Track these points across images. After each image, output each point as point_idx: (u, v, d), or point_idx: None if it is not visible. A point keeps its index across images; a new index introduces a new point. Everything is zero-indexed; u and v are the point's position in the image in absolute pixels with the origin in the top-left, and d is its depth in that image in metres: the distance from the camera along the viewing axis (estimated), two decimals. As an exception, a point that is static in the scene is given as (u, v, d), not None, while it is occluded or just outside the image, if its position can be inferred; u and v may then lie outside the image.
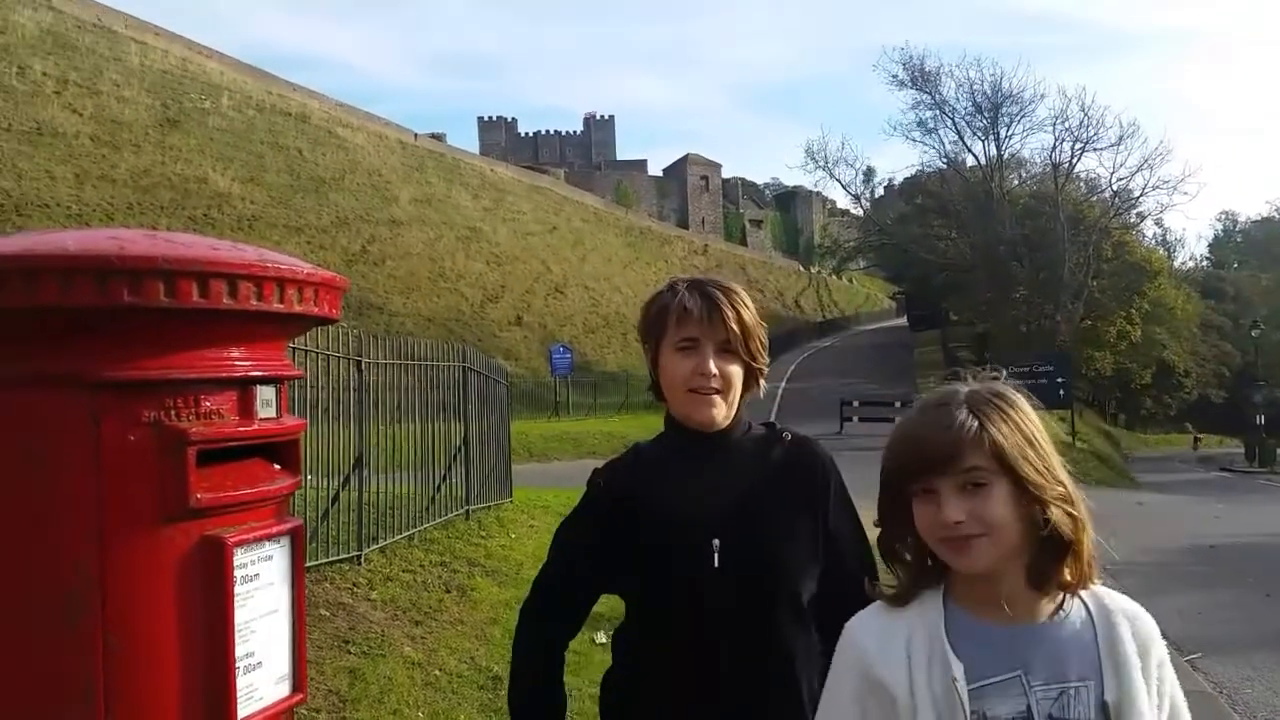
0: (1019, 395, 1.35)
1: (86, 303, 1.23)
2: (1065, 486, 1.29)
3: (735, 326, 1.69)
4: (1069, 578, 1.30)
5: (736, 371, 1.72)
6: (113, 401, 1.28)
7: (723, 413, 1.71)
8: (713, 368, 1.68)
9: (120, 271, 1.23)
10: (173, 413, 1.31)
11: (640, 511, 1.70)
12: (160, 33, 40.08)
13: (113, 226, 27.06)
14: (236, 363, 1.38)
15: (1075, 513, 1.29)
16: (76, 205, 29.79)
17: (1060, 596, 1.31)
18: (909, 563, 1.37)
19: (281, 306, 1.38)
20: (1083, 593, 1.32)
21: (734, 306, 1.71)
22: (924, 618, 1.33)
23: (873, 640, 1.34)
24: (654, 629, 1.72)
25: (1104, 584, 1.37)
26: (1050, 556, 1.29)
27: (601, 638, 5.98)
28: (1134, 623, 1.31)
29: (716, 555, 1.64)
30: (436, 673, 4.79)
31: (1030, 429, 1.31)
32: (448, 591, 6.04)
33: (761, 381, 1.78)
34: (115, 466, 1.28)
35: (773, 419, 1.96)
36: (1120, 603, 1.34)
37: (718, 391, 1.69)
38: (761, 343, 1.75)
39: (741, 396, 1.76)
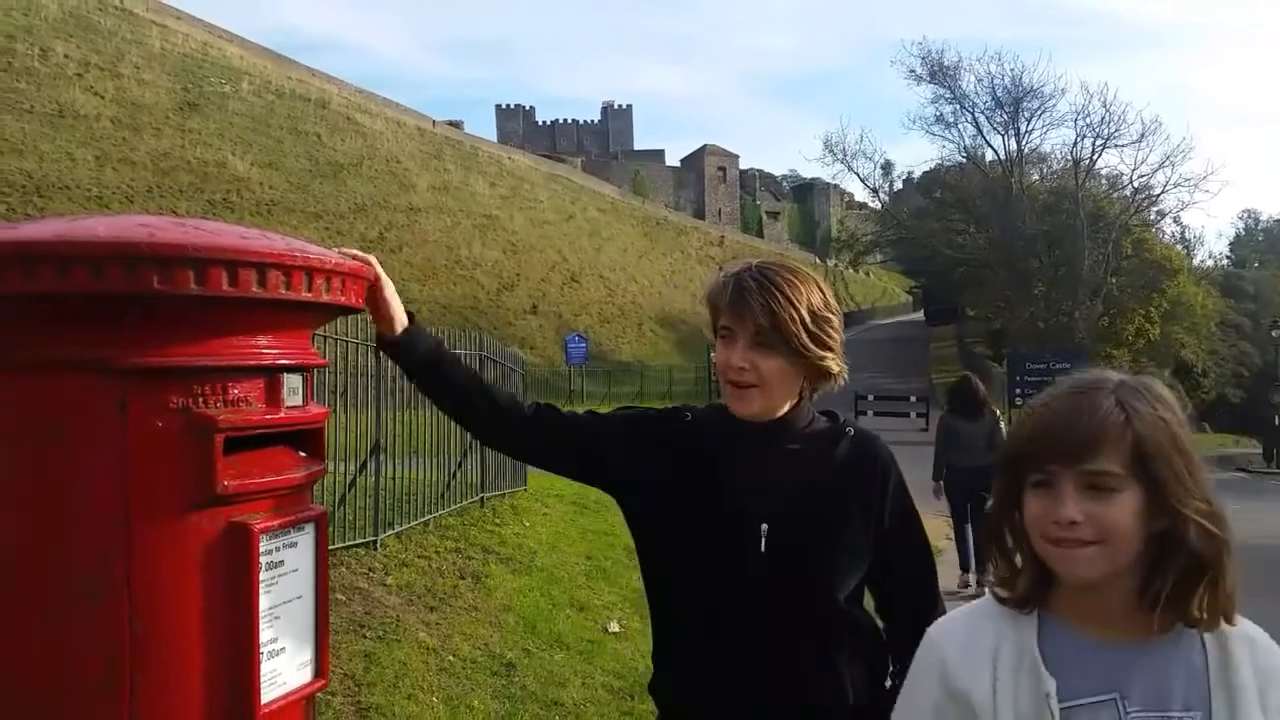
0: (1170, 393, 1.21)
1: (116, 289, 1.23)
2: (1210, 503, 1.15)
3: (763, 319, 1.58)
4: (1200, 610, 1.16)
5: (775, 365, 1.60)
6: (141, 388, 1.29)
7: (757, 407, 1.64)
8: (739, 360, 1.61)
9: (150, 259, 1.24)
10: (201, 400, 1.32)
11: (689, 495, 1.67)
12: (181, 16, 40.22)
13: (134, 210, 27.24)
14: (264, 351, 1.39)
15: (1218, 532, 1.15)
16: (97, 188, 29.97)
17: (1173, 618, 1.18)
18: (1023, 563, 1.24)
19: (309, 295, 1.38)
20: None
21: (765, 297, 1.58)
22: (1016, 626, 1.22)
23: (956, 648, 1.24)
24: (690, 602, 1.68)
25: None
26: (1182, 580, 1.15)
27: (615, 627, 6.01)
28: (1256, 650, 1.18)
29: (764, 540, 1.61)
30: (451, 658, 4.82)
31: (1180, 432, 1.17)
32: (462, 578, 6.07)
33: (837, 374, 1.68)
34: (143, 452, 1.29)
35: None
36: (1247, 631, 1.20)
37: (752, 386, 1.61)
38: (812, 336, 1.61)
39: (809, 390, 1.69)
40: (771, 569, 1.61)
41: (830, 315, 1.65)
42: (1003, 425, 8.06)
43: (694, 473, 1.68)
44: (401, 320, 1.71)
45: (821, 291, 1.66)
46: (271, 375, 1.41)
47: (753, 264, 1.67)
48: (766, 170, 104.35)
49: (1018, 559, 1.24)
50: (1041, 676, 1.17)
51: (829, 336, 1.63)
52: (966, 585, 7.86)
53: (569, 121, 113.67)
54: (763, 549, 1.61)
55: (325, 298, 1.42)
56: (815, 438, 1.71)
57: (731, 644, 1.64)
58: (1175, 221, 52.04)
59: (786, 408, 1.68)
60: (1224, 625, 1.17)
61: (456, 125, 57.66)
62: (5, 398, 1.35)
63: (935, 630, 1.30)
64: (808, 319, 1.60)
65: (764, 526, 1.62)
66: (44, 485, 1.31)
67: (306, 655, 1.47)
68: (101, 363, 1.28)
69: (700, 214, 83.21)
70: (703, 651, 1.67)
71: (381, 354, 1.78)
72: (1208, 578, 1.14)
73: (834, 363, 1.66)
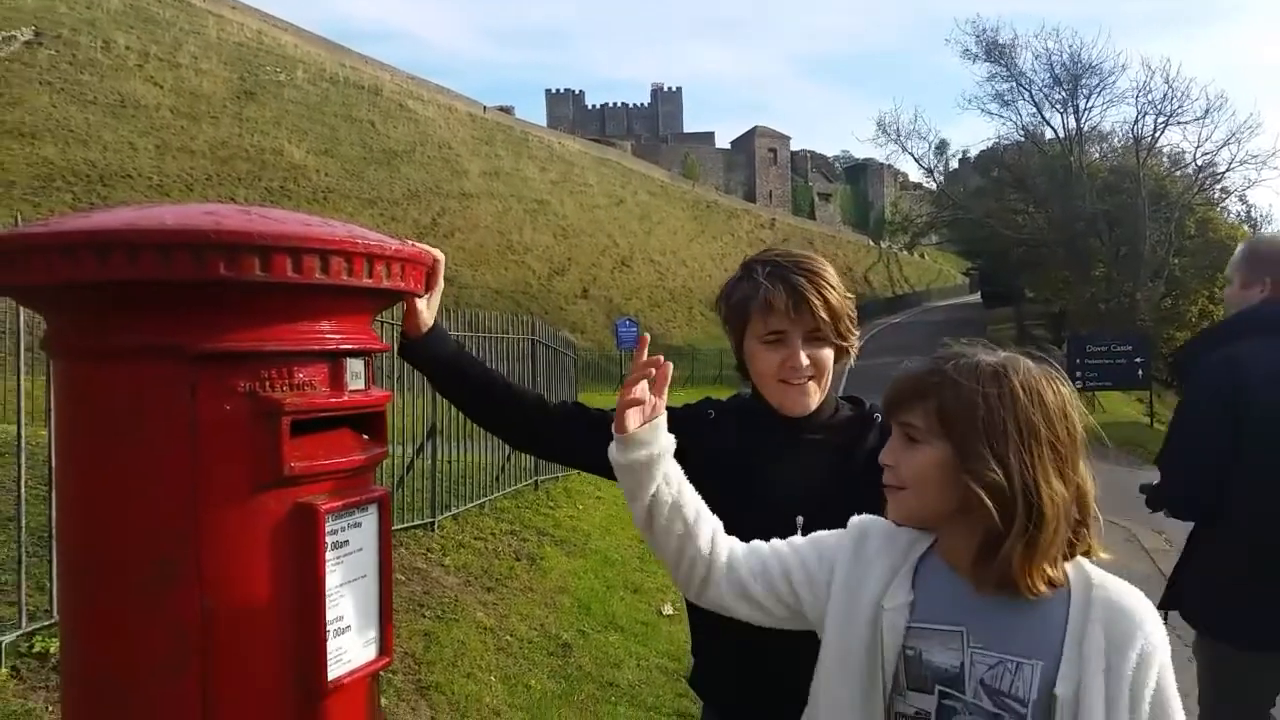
0: (1037, 378, 1.27)
1: (184, 276, 1.26)
2: (1014, 475, 1.22)
3: (824, 314, 1.62)
4: (1007, 574, 1.23)
5: (827, 355, 1.67)
6: (210, 373, 1.32)
7: (816, 399, 1.69)
8: (804, 359, 1.64)
9: (217, 246, 1.26)
10: (267, 384, 1.34)
11: (723, 489, 1.67)
12: (236, 6, 40.84)
13: (194, 198, 27.77)
14: (327, 336, 1.41)
15: (1010, 505, 1.22)
16: (158, 176, 30.61)
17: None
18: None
19: (370, 281, 1.40)
20: (1072, 572, 1.27)
21: (820, 292, 1.63)
22: (911, 546, 1.35)
23: (877, 537, 1.39)
24: None
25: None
26: (990, 541, 1.24)
27: (668, 609, 6.03)
28: (1114, 618, 1.23)
29: (800, 531, 1.62)
30: (508, 638, 4.88)
31: (1000, 410, 1.24)
32: (518, 559, 6.13)
33: (853, 353, 1.73)
34: (212, 435, 1.32)
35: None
36: (1112, 594, 1.26)
37: (811, 378, 1.66)
38: (850, 319, 1.68)
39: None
40: None
41: (850, 298, 1.71)
42: None
43: (726, 469, 1.69)
44: (427, 324, 1.76)
45: (836, 276, 1.71)
46: (335, 360, 1.43)
47: (779, 260, 1.67)
48: (818, 151, 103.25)
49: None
50: (902, 588, 1.31)
51: (854, 316, 1.70)
52: None
53: (619, 105, 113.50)
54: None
55: (386, 283, 1.44)
56: (843, 426, 1.73)
57: (772, 638, 1.65)
58: (1241, 200, 50.62)
59: (816, 400, 1.71)
60: (1094, 587, 1.25)
61: (507, 111, 57.90)
62: (83, 382, 1.40)
63: (872, 520, 1.42)
64: (844, 304, 1.67)
65: (800, 519, 1.63)
66: (117, 469, 1.35)
67: (371, 633, 1.50)
68: (171, 349, 1.31)
69: (751, 196, 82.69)
70: (743, 647, 1.67)
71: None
72: (1011, 543, 1.22)
73: (856, 343, 1.72)
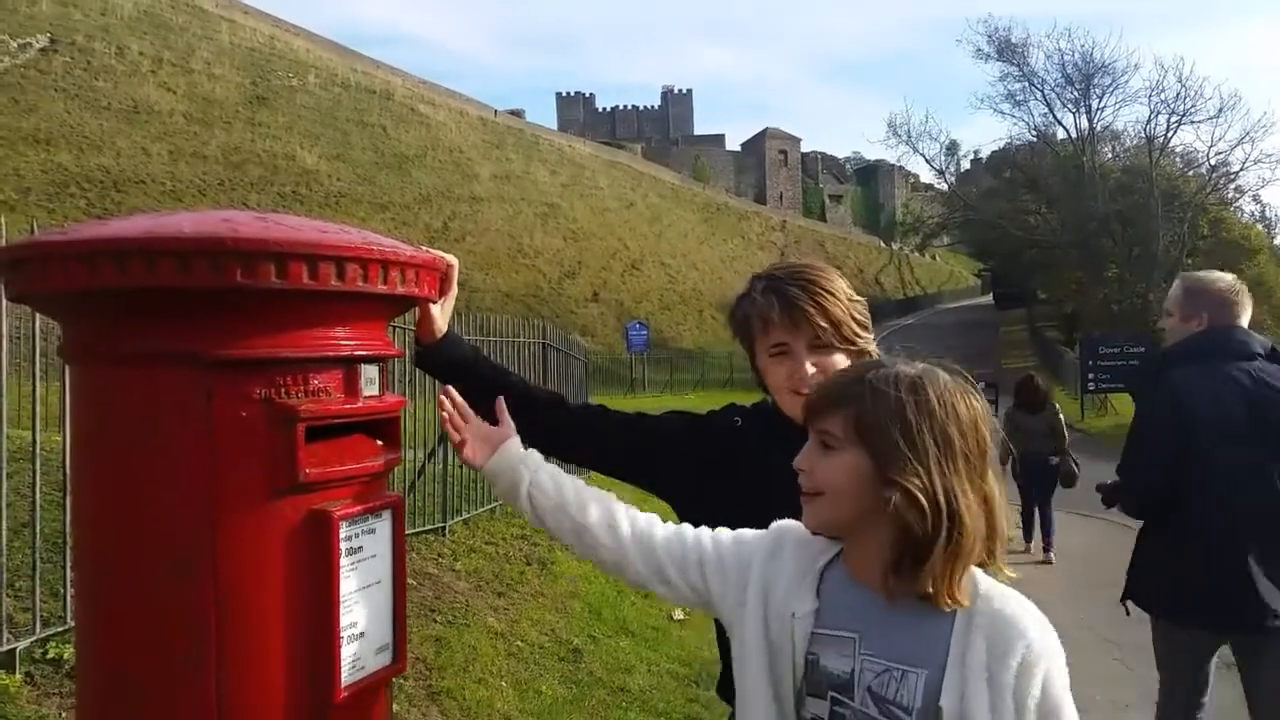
0: (953, 390, 1.29)
1: (202, 283, 1.26)
2: (935, 484, 1.22)
3: (822, 321, 1.61)
4: (934, 584, 1.23)
5: (836, 361, 1.63)
6: (225, 379, 1.32)
7: None
8: (808, 369, 1.62)
9: (233, 253, 1.26)
10: (283, 390, 1.35)
11: (745, 498, 1.67)
12: (249, 11, 41.09)
13: (208, 203, 27.92)
14: (342, 342, 1.41)
15: (931, 514, 1.21)
16: (171, 181, 30.80)
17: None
18: None
19: (385, 288, 1.41)
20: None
21: (815, 300, 1.61)
22: (821, 553, 1.37)
23: (779, 532, 1.43)
24: None
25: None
26: (905, 553, 1.24)
27: (679, 614, 6.02)
28: (996, 628, 1.24)
29: None
30: (519, 643, 4.88)
31: (918, 418, 1.24)
32: (528, 564, 6.13)
33: (873, 355, 1.69)
34: (227, 441, 1.32)
35: None
36: (995, 604, 1.26)
37: None
38: (858, 322, 1.66)
39: None
40: None
41: (860, 298, 1.70)
42: (1061, 417, 8.76)
43: (751, 478, 1.68)
44: (440, 329, 1.77)
45: (844, 279, 1.70)
46: (349, 366, 1.43)
47: (776, 274, 1.68)
48: (829, 153, 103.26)
49: None
50: (803, 597, 1.33)
51: (867, 318, 1.68)
52: (1028, 552, 8.65)
53: (629, 108, 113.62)
54: None
55: (400, 290, 1.44)
56: None
57: None
58: (1255, 199, 50.50)
59: None
60: (979, 596, 1.26)
61: (518, 114, 58.04)
62: (98, 389, 1.40)
63: (793, 525, 1.43)
64: (851, 308, 1.64)
65: None
66: (133, 475, 1.35)
67: (385, 640, 1.50)
68: (187, 355, 1.31)
69: (761, 198, 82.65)
70: None
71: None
72: (933, 553, 1.21)
73: (872, 345, 1.69)
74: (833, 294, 1.63)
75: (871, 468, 1.25)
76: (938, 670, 1.23)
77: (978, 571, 1.28)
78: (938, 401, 1.26)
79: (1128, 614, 3.22)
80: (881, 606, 1.27)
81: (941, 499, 1.22)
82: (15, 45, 30.22)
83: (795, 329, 1.63)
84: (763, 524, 1.66)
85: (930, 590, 1.23)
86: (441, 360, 1.79)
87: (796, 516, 1.64)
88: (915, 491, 1.22)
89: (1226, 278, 3.18)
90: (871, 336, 1.69)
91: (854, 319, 1.65)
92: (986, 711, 1.20)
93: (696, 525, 1.80)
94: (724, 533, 1.49)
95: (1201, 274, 3.27)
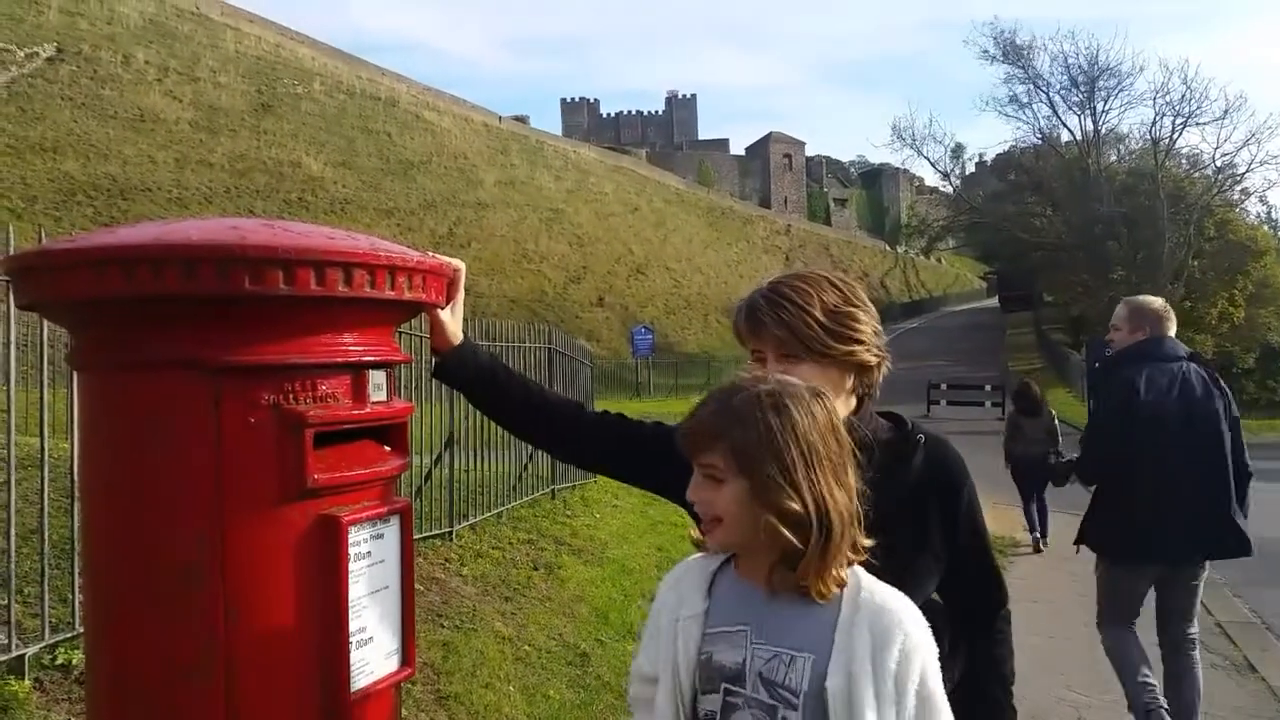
0: (807, 401, 1.37)
1: (209, 290, 1.27)
2: (806, 498, 1.32)
3: (778, 331, 1.60)
4: (810, 579, 1.33)
5: (811, 372, 1.58)
6: (234, 385, 1.33)
7: None
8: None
9: (241, 260, 1.27)
10: (291, 396, 1.35)
11: None
12: (254, 19, 41.22)
13: (215, 211, 27.99)
14: (350, 348, 1.42)
15: (805, 526, 1.31)
16: (177, 189, 30.87)
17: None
18: None
19: (393, 293, 1.41)
20: (848, 577, 1.37)
21: (775, 312, 1.60)
22: (708, 563, 1.46)
23: (670, 576, 1.50)
24: None
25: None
26: (786, 557, 1.33)
27: (686, 618, 6.02)
28: (877, 615, 1.33)
29: None
30: (526, 648, 4.88)
31: (800, 438, 1.34)
32: (535, 569, 6.13)
33: (877, 364, 1.67)
34: (236, 447, 1.33)
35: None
36: (876, 597, 1.36)
37: None
38: (835, 334, 1.61)
39: (858, 387, 1.67)
40: None
41: (851, 309, 1.64)
42: (1057, 422, 9.34)
43: None
44: (456, 336, 1.77)
45: (838, 290, 1.66)
46: (357, 372, 1.44)
47: (764, 283, 1.70)
48: (833, 157, 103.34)
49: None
50: (692, 599, 1.41)
51: (852, 329, 1.63)
52: (1034, 544, 9.09)
53: (633, 113, 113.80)
54: None
55: (408, 295, 1.45)
56: (886, 446, 1.68)
57: None
58: (1261, 200, 50.51)
59: (842, 413, 1.65)
60: (862, 591, 1.36)
61: (522, 120, 58.17)
62: (108, 396, 1.41)
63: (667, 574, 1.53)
64: (822, 319, 1.61)
65: None
66: (144, 479, 1.36)
67: (394, 644, 1.51)
68: (196, 361, 1.32)
69: (766, 203, 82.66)
70: None
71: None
72: (809, 554, 1.32)
73: (866, 354, 1.65)
74: (799, 304, 1.61)
75: (750, 492, 1.34)
76: (824, 655, 1.31)
77: (860, 569, 1.38)
78: (798, 413, 1.35)
79: (1077, 552, 4.34)
80: (769, 600, 1.36)
81: (813, 510, 1.32)
82: (22, 55, 30.36)
83: (759, 338, 1.65)
84: None
85: (807, 584, 1.33)
86: (459, 367, 1.79)
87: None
88: (790, 511, 1.31)
89: (1159, 300, 4.25)
90: (862, 348, 1.64)
91: (826, 331, 1.61)
92: (871, 692, 1.28)
93: None
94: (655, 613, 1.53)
95: (1141, 297, 4.31)
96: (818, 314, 1.61)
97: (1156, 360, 4.00)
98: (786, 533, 1.31)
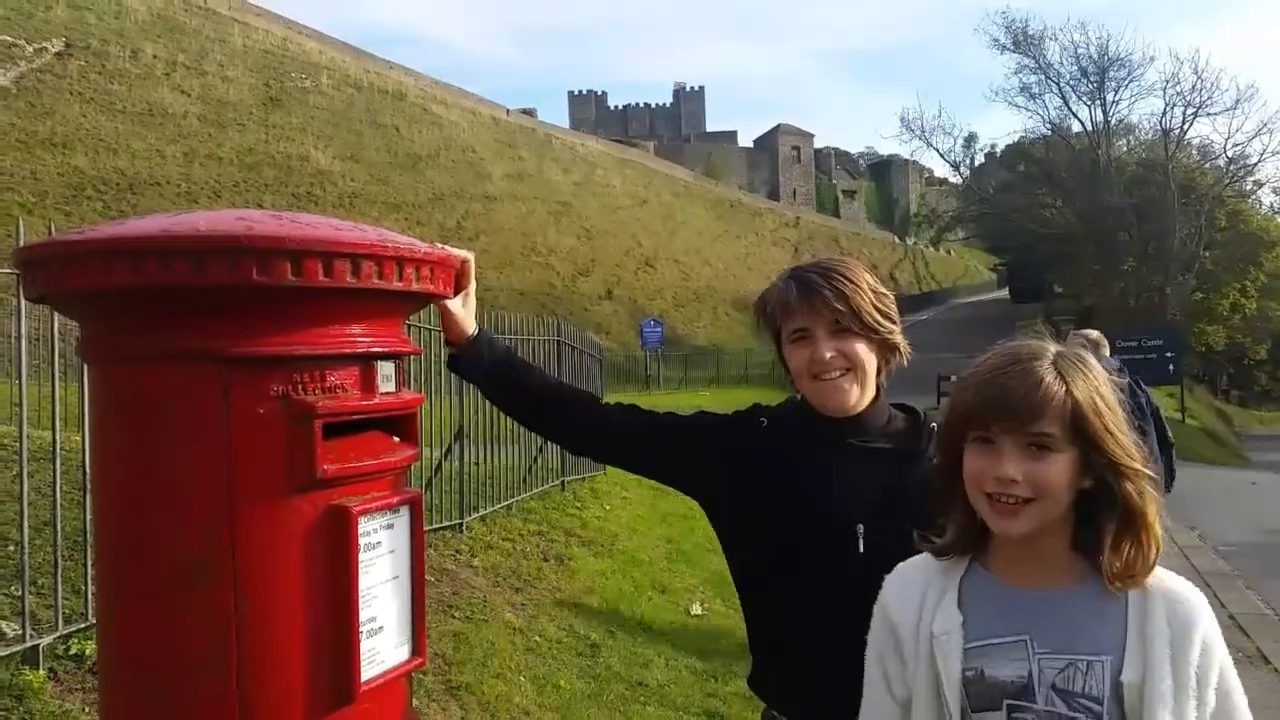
0: (1096, 362, 1.32)
1: (218, 281, 1.27)
2: (1137, 461, 1.25)
3: (839, 305, 1.62)
4: (1130, 558, 1.24)
5: (859, 349, 1.64)
6: (242, 376, 1.33)
7: (855, 395, 1.65)
8: (826, 352, 1.63)
9: (249, 251, 1.27)
10: (300, 387, 1.35)
11: (780, 499, 1.68)
12: (261, 13, 41.24)
13: (224, 205, 28.06)
14: (358, 339, 1.42)
15: (1147, 487, 1.25)
16: (186, 183, 30.95)
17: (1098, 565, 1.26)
18: (955, 515, 1.35)
19: (401, 285, 1.41)
20: None
21: (833, 285, 1.63)
22: (945, 571, 1.34)
23: (894, 589, 1.38)
24: (791, 605, 1.70)
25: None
26: (1114, 533, 1.25)
27: (697, 609, 6.03)
28: (1174, 604, 1.24)
29: (861, 540, 1.62)
30: (537, 639, 4.89)
31: (1108, 398, 1.27)
32: (546, 560, 6.15)
33: (902, 351, 1.71)
34: (245, 438, 1.33)
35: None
36: (1167, 583, 1.27)
37: (845, 372, 1.64)
38: (881, 312, 1.66)
39: (881, 373, 1.70)
40: (871, 568, 1.61)
41: (885, 291, 1.71)
42: None
43: (781, 478, 1.69)
44: (468, 328, 1.77)
45: (870, 273, 1.72)
46: (366, 363, 1.44)
47: (804, 265, 1.72)
48: (842, 148, 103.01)
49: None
50: (949, 613, 1.29)
51: (892, 310, 1.69)
52: None
53: (641, 105, 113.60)
54: (861, 549, 1.62)
55: (416, 286, 1.45)
56: (899, 435, 1.72)
57: (837, 642, 1.64)
58: (1274, 191, 50.11)
59: (867, 401, 1.69)
60: (1150, 580, 1.25)
61: (530, 113, 58.10)
62: (117, 388, 1.41)
63: (889, 576, 1.42)
64: (872, 297, 1.65)
65: (860, 527, 1.63)
66: (154, 471, 1.36)
67: (404, 634, 1.51)
68: (205, 353, 1.32)
69: (775, 195, 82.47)
70: (808, 651, 1.67)
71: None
72: (1135, 530, 1.24)
73: (900, 337, 1.70)
74: (852, 281, 1.65)
75: (1078, 461, 1.24)
76: (1120, 654, 1.21)
77: None
78: (1103, 377, 1.28)
79: None
80: (1040, 601, 1.26)
81: (1131, 481, 1.24)
82: (31, 50, 30.43)
83: (813, 313, 1.64)
84: (792, 521, 1.66)
85: (1132, 574, 1.23)
86: (475, 365, 1.80)
87: (822, 513, 1.64)
88: (1132, 475, 1.23)
89: (1096, 332, 5.80)
90: (897, 329, 1.69)
91: (875, 308, 1.65)
92: (1170, 689, 1.19)
93: (725, 522, 1.81)
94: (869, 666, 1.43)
95: (1084, 330, 5.97)
96: (868, 292, 1.65)
97: None
98: (1135, 500, 1.24)
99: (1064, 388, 1.24)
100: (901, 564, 1.42)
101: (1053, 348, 1.29)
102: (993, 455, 1.26)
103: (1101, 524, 1.26)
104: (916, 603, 1.34)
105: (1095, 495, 1.26)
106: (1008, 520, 1.25)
